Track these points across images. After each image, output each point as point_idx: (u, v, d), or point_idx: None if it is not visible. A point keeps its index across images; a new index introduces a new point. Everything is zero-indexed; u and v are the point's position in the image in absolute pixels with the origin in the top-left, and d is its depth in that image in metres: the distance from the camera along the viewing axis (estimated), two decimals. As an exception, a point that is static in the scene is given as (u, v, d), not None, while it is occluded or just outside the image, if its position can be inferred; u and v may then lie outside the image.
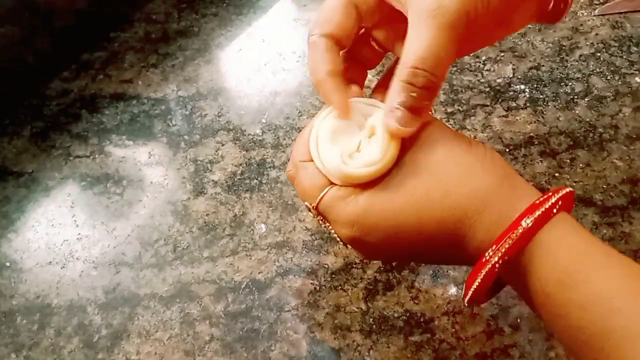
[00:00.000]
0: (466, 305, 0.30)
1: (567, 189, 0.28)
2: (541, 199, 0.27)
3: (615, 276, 0.25)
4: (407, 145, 0.31)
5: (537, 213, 0.26)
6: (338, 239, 0.33)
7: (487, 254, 0.27)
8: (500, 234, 0.27)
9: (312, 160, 0.33)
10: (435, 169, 0.30)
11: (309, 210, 0.33)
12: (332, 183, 0.32)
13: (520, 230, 0.26)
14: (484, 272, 0.27)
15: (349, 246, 0.34)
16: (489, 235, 0.28)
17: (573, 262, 0.26)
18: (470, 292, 0.28)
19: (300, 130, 0.51)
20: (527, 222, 0.26)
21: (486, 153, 0.30)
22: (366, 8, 0.33)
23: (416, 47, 0.29)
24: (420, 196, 0.29)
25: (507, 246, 0.26)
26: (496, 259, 0.26)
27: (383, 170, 0.31)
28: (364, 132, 0.32)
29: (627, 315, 0.24)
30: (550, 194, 0.27)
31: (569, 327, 0.26)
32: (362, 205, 0.30)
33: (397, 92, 0.30)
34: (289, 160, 0.49)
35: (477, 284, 0.27)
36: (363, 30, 0.35)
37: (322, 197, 0.31)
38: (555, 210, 0.27)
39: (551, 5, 0.32)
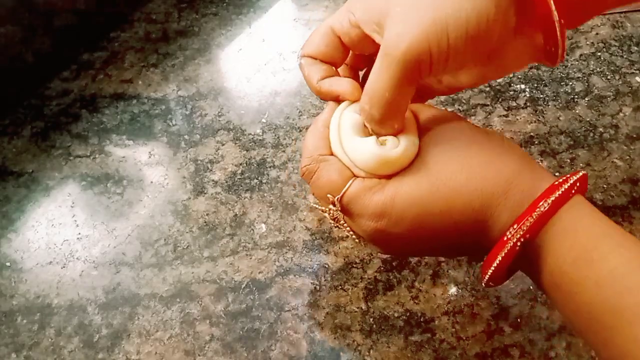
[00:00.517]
0: (484, 286, 0.31)
1: (583, 172, 0.29)
2: (560, 181, 0.28)
3: (631, 255, 0.26)
4: (427, 134, 0.32)
5: (557, 193, 0.27)
6: (354, 236, 0.33)
7: (508, 233, 0.28)
8: (521, 213, 0.28)
9: (332, 154, 0.33)
10: (459, 155, 0.30)
11: (326, 209, 0.33)
12: (356, 176, 0.32)
13: (542, 209, 0.27)
14: (505, 250, 0.27)
15: (367, 243, 0.34)
16: (512, 216, 0.28)
17: (590, 240, 0.27)
18: (490, 271, 0.28)
19: (303, 129, 0.51)
20: (547, 202, 0.27)
21: (504, 140, 0.31)
22: (349, 40, 0.33)
23: (368, 81, 0.30)
24: (446, 181, 0.29)
25: (527, 225, 0.27)
26: (517, 237, 0.27)
27: (410, 160, 0.31)
28: None
29: (639, 294, 0.24)
30: (568, 176, 0.28)
31: (583, 304, 0.26)
32: (389, 193, 0.30)
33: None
34: (289, 160, 0.49)
35: (497, 262, 0.28)
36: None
37: (346, 190, 0.31)
38: (573, 192, 0.28)
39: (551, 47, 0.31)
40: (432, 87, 0.36)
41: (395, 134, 0.32)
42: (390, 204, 0.30)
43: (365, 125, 0.33)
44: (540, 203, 0.27)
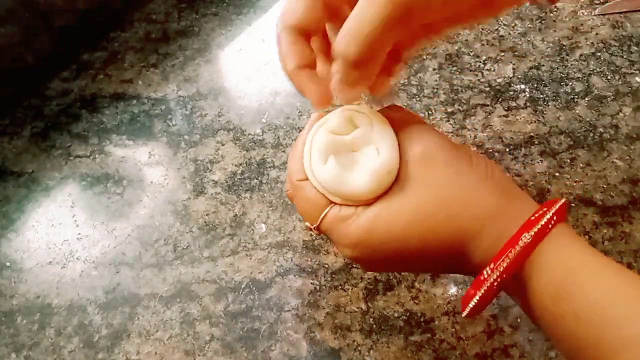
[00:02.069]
0: (464, 317, 0.31)
1: (561, 201, 0.28)
2: (537, 215, 0.27)
3: (610, 286, 0.25)
4: (406, 160, 0.31)
5: (534, 231, 0.27)
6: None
7: (485, 272, 0.27)
8: (497, 252, 0.27)
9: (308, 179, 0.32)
10: (438, 190, 0.29)
11: (310, 230, 0.32)
12: (332, 202, 0.31)
13: (517, 249, 0.26)
14: (483, 289, 0.27)
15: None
16: (488, 253, 0.28)
17: (568, 275, 0.26)
18: (469, 309, 0.28)
19: (302, 129, 0.51)
20: (523, 241, 0.27)
21: (487, 169, 0.30)
22: None
23: (350, 16, 0.27)
24: (424, 219, 0.29)
25: (504, 265, 0.27)
26: (495, 277, 0.27)
27: (382, 188, 0.30)
28: (358, 144, 0.31)
29: (621, 324, 0.24)
30: (545, 209, 0.28)
31: (566, 337, 0.26)
32: (365, 226, 0.30)
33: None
34: (289, 161, 0.49)
35: (475, 300, 0.28)
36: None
37: (322, 220, 0.31)
38: (550, 226, 0.27)
39: None
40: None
41: (353, 88, 0.29)
42: (366, 237, 0.30)
43: (333, 148, 0.31)
44: (518, 242, 0.27)
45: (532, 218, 0.27)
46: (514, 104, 0.51)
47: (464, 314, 0.29)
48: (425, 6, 0.25)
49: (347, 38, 0.27)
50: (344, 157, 0.31)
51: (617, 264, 0.26)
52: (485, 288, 0.27)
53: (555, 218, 0.27)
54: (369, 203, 0.30)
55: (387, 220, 0.29)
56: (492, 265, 0.27)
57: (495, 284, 0.27)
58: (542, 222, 0.27)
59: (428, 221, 0.29)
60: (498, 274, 0.27)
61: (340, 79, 0.29)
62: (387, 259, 0.30)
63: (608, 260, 0.27)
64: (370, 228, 0.29)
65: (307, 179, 0.32)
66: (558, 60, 0.54)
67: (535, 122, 0.50)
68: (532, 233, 0.27)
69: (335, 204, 0.31)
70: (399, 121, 0.32)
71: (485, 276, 0.27)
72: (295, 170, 0.32)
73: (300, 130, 0.51)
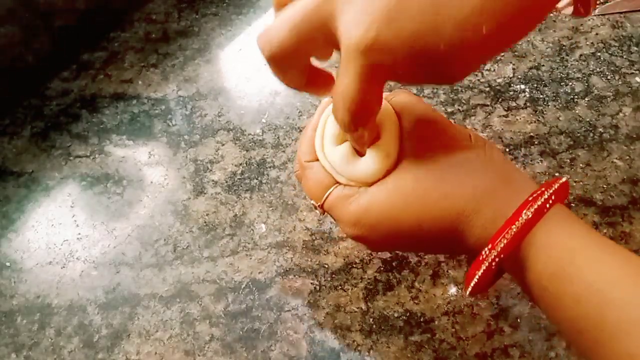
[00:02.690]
0: (468, 296, 0.31)
1: (562, 180, 0.28)
2: (535, 195, 0.28)
3: (609, 268, 0.25)
4: (408, 143, 0.32)
5: (531, 210, 0.27)
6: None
7: (484, 252, 0.27)
8: (496, 232, 0.27)
9: (317, 160, 0.34)
10: (434, 170, 0.30)
11: (315, 208, 0.34)
12: (337, 182, 0.33)
13: (515, 229, 0.27)
14: (482, 269, 0.27)
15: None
16: (485, 232, 0.28)
17: (566, 255, 0.26)
18: (470, 287, 0.29)
19: (302, 129, 0.51)
20: (520, 221, 0.27)
21: (486, 151, 0.31)
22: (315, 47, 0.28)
23: (335, 83, 0.27)
24: (418, 197, 0.30)
25: (502, 245, 0.27)
26: (493, 256, 0.27)
27: (383, 171, 0.32)
28: None
29: (619, 307, 0.24)
30: (543, 189, 0.28)
31: (565, 319, 0.26)
32: (364, 205, 0.31)
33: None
34: (289, 160, 0.49)
35: (476, 279, 0.28)
36: None
37: (326, 198, 0.33)
38: (548, 206, 0.27)
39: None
40: None
41: (370, 142, 0.32)
42: (365, 215, 0.31)
43: (345, 134, 0.33)
44: (515, 221, 0.27)
45: (530, 198, 0.27)
46: (514, 104, 0.51)
47: (467, 292, 0.29)
48: (392, 63, 0.25)
49: (336, 106, 0.28)
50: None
51: (617, 246, 0.26)
52: (484, 268, 0.27)
53: (553, 197, 0.27)
54: (371, 184, 0.32)
55: (384, 199, 0.31)
56: (489, 246, 0.27)
57: (494, 263, 0.27)
58: (540, 202, 0.27)
59: (423, 200, 0.30)
60: (496, 253, 0.27)
61: (356, 144, 0.32)
62: (386, 237, 0.31)
63: (607, 241, 0.27)
64: (368, 205, 0.31)
65: (316, 159, 0.34)
66: (558, 61, 0.54)
67: (535, 122, 0.50)
68: (530, 213, 0.27)
69: (340, 183, 0.33)
70: (400, 104, 0.33)
71: (484, 256, 0.27)
72: (305, 152, 0.34)
73: (301, 131, 0.51)
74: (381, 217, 0.31)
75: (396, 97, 0.34)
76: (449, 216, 0.29)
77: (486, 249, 0.27)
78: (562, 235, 0.27)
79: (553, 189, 0.28)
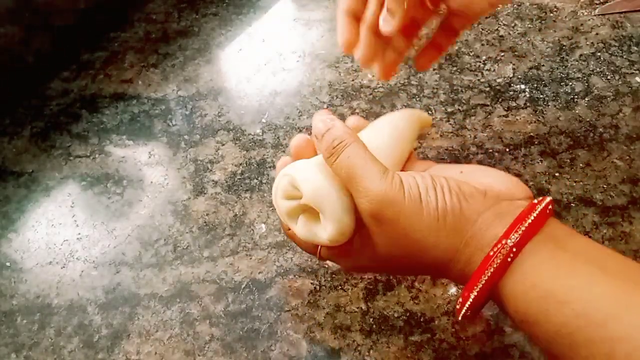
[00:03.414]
0: (460, 319, 0.32)
1: (547, 200, 0.29)
2: (495, 250, 0.28)
3: (574, 310, 0.25)
4: (360, 211, 0.31)
5: (492, 268, 0.28)
6: None
7: (464, 293, 0.30)
8: (469, 280, 0.29)
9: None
10: (392, 246, 0.31)
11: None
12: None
13: (483, 282, 0.28)
14: (466, 306, 0.29)
15: None
16: (463, 272, 0.30)
17: (532, 304, 0.27)
18: (461, 315, 0.30)
19: (302, 129, 0.51)
20: (486, 275, 0.28)
21: (438, 208, 0.29)
22: None
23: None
24: (397, 263, 0.32)
25: (478, 289, 0.28)
26: (472, 297, 0.29)
27: (346, 237, 0.32)
28: (310, 208, 0.33)
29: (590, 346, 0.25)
30: (504, 240, 0.28)
31: (544, 349, 0.28)
32: (352, 263, 0.35)
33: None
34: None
35: (462, 313, 0.30)
36: None
37: (319, 254, 0.36)
38: (510, 259, 0.27)
39: None
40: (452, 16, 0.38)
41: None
42: (356, 266, 0.37)
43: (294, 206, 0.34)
44: (482, 275, 0.28)
45: (491, 253, 0.28)
46: (514, 104, 0.51)
47: (459, 318, 0.31)
48: None
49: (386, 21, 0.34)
50: (311, 211, 0.33)
51: (604, 272, 0.27)
52: (467, 306, 0.29)
53: (514, 250, 0.27)
54: (349, 246, 0.33)
55: (366, 262, 0.34)
56: (465, 292, 0.29)
57: (474, 305, 0.29)
58: (498, 261, 0.27)
59: (402, 263, 0.32)
60: (474, 295, 0.29)
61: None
62: (378, 269, 0.39)
63: (582, 272, 0.26)
64: (355, 263, 0.35)
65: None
66: (558, 61, 0.54)
67: (535, 122, 0.50)
68: (492, 270, 0.28)
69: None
70: (348, 175, 0.31)
71: (465, 295, 0.29)
72: (282, 224, 0.37)
73: (300, 131, 0.51)
74: (370, 266, 0.36)
75: (342, 164, 0.31)
76: (429, 267, 0.32)
77: (464, 290, 0.29)
78: (528, 282, 0.27)
79: (517, 234, 0.27)
